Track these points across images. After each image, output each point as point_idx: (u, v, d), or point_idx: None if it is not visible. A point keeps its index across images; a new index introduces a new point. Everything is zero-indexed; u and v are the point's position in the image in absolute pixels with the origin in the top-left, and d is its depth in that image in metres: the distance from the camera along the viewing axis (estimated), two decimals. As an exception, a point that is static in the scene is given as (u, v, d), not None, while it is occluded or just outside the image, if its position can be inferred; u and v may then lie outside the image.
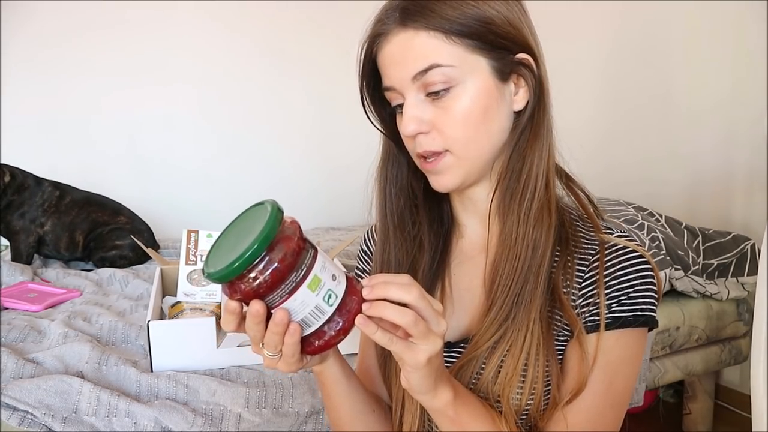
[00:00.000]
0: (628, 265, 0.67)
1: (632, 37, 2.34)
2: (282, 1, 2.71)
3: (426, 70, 0.64)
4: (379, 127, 0.76)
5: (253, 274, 0.49)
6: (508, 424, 0.66)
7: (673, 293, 1.71)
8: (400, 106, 0.69)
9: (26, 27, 2.36)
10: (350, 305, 0.54)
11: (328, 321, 0.54)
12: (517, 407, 0.67)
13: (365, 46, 0.70)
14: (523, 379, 0.66)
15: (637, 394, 1.54)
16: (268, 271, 0.49)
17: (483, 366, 0.68)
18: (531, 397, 0.67)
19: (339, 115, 2.77)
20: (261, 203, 0.54)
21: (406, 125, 0.67)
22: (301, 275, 0.51)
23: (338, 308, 0.54)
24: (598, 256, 0.68)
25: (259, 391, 1.09)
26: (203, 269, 0.52)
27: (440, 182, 0.70)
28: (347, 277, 0.56)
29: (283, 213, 0.52)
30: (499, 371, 0.66)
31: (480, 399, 0.67)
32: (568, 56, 2.48)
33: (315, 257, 0.53)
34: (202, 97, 2.68)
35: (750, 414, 1.14)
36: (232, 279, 0.49)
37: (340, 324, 0.54)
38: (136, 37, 2.53)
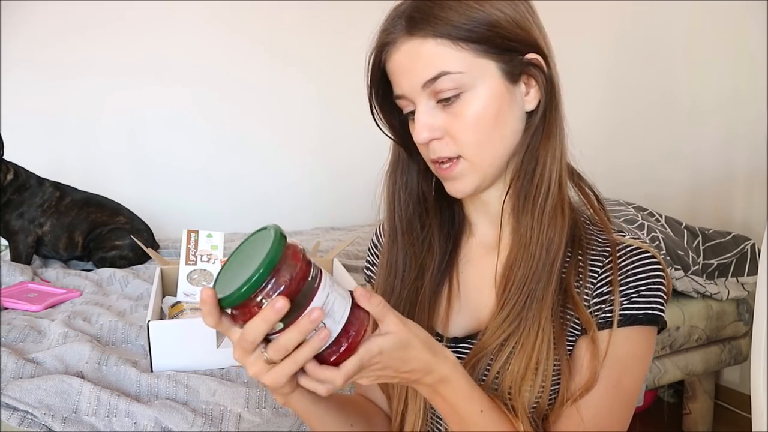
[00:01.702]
0: (641, 264, 0.68)
1: (633, 37, 2.34)
2: (284, 0, 2.71)
3: (435, 78, 0.65)
4: (389, 135, 0.76)
5: (259, 298, 0.49)
6: (521, 420, 0.66)
7: (673, 293, 1.71)
8: (412, 113, 0.69)
9: (27, 27, 2.36)
10: (357, 326, 0.54)
11: (334, 342, 0.53)
12: (527, 402, 0.67)
13: (373, 56, 0.70)
14: (533, 375, 0.67)
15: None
16: (276, 294, 0.49)
17: (491, 362, 0.68)
18: (540, 393, 0.67)
19: (341, 115, 2.78)
20: (264, 228, 0.54)
21: (419, 133, 0.67)
22: (308, 297, 0.51)
23: (344, 329, 0.53)
24: (611, 257, 0.69)
25: (259, 391, 1.09)
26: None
27: (456, 188, 0.71)
28: (352, 296, 0.56)
29: (286, 237, 0.52)
30: (510, 367, 0.67)
31: (478, 405, 0.65)
32: (570, 57, 2.48)
33: (320, 279, 0.53)
34: (203, 97, 2.68)
35: (750, 414, 1.14)
36: (240, 303, 0.50)
37: (344, 346, 0.54)
38: (138, 37, 2.53)
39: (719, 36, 2.02)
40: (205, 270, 1.39)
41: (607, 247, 0.71)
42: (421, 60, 0.65)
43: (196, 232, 1.43)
